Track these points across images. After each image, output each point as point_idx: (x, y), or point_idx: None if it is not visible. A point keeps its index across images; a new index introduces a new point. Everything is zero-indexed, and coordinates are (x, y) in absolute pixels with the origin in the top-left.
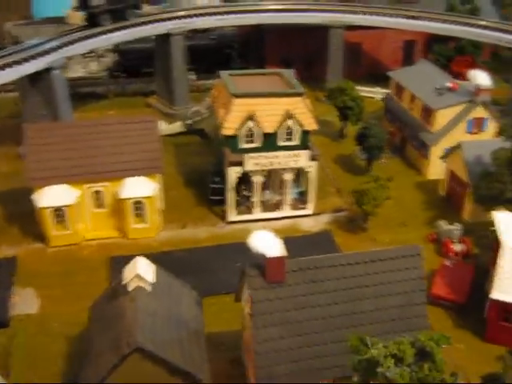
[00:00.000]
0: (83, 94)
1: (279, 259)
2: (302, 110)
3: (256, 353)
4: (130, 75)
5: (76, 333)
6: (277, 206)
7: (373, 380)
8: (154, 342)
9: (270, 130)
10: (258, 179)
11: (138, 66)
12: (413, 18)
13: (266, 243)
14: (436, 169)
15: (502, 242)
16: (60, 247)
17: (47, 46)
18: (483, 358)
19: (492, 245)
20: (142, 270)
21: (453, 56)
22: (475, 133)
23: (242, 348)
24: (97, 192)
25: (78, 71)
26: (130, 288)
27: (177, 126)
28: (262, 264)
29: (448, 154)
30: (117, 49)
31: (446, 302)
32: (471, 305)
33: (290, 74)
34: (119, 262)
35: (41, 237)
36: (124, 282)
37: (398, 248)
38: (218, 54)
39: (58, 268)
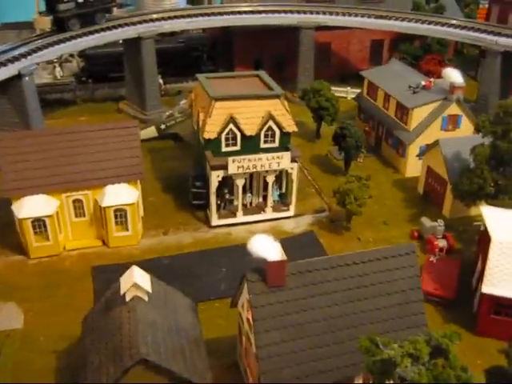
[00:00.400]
0: (51, 100)
1: (280, 263)
2: (282, 112)
3: (259, 358)
4: (98, 80)
5: (64, 346)
6: (259, 209)
7: (388, 380)
8: (156, 352)
9: (251, 132)
10: (240, 182)
11: (105, 71)
12: (381, 17)
13: (266, 247)
14: (413, 166)
15: (491, 237)
16: (40, 258)
17: (16, 52)
18: (476, 351)
19: (474, 239)
20: (139, 279)
21: (419, 54)
22: (450, 130)
23: (238, 353)
24: (77, 201)
25: (43, 77)
26: (128, 298)
27: (150, 131)
28: (261, 269)
29: (425, 152)
30: (82, 54)
31: (434, 298)
32: (459, 299)
33: (266, 75)
34: (102, 272)
35: (20, 248)
36: (121, 292)
37: (393, 247)
38: (186, 57)
39: (39, 280)
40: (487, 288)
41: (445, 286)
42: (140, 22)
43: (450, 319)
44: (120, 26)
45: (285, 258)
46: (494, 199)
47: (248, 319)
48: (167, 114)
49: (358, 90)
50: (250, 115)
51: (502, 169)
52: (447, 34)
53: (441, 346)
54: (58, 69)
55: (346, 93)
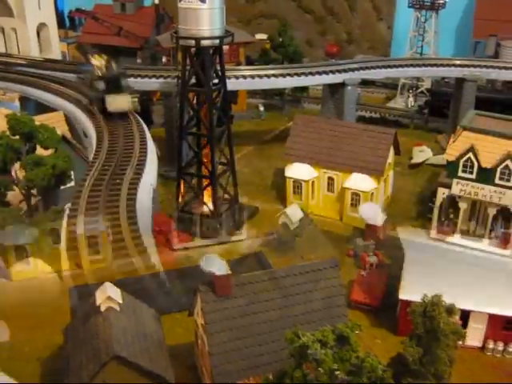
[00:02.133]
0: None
1: (226, 276)
2: None
3: (211, 354)
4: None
5: (48, 354)
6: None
7: (305, 362)
8: (127, 351)
9: (487, 165)
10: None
11: (443, 107)
12: None
13: (215, 264)
14: None
15: (405, 253)
16: (22, 281)
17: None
18: (397, 348)
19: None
20: (112, 293)
21: None
22: None
23: (196, 355)
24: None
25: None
26: (103, 309)
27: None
28: (211, 281)
29: None
30: (429, 89)
31: (363, 306)
32: (385, 307)
33: None
34: (78, 292)
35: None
36: (97, 304)
37: (319, 262)
38: None
39: (22, 299)
40: (403, 295)
41: (372, 296)
42: None
43: (376, 323)
44: None
45: (230, 272)
46: None
47: (202, 324)
48: None
49: None
50: (490, 150)
51: None
52: None
53: (343, 334)
54: (410, 99)
55: None
